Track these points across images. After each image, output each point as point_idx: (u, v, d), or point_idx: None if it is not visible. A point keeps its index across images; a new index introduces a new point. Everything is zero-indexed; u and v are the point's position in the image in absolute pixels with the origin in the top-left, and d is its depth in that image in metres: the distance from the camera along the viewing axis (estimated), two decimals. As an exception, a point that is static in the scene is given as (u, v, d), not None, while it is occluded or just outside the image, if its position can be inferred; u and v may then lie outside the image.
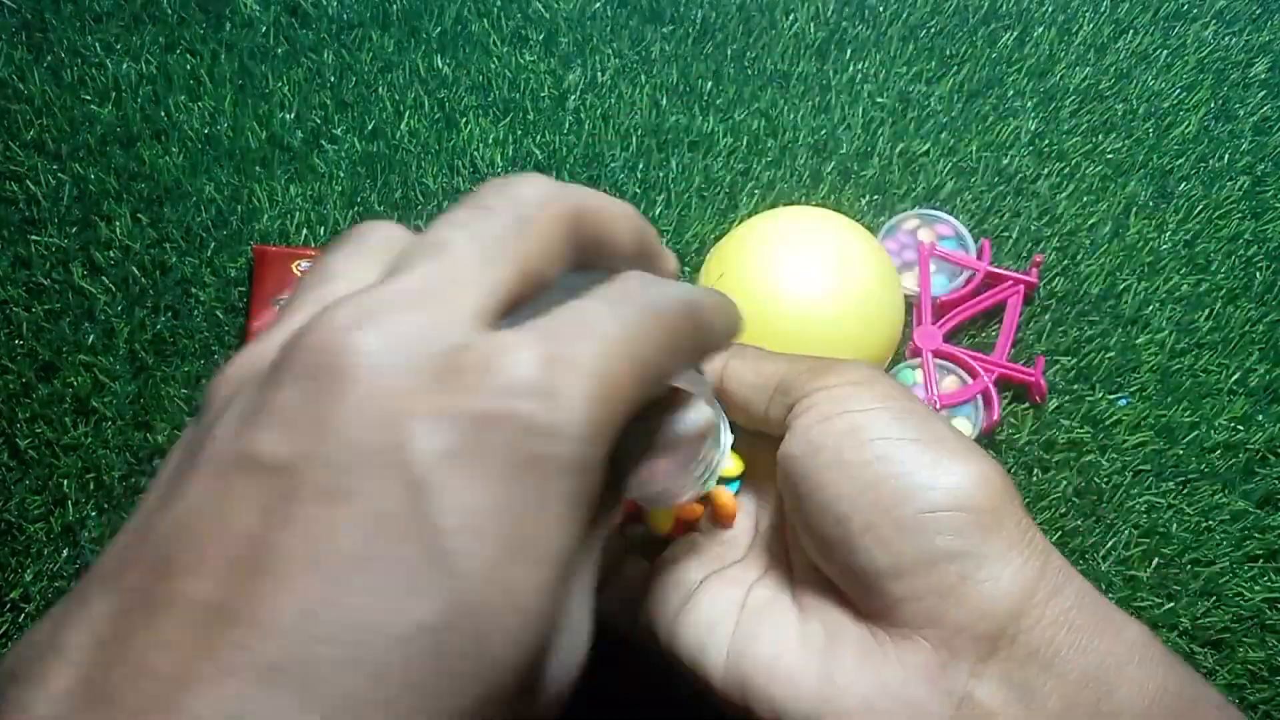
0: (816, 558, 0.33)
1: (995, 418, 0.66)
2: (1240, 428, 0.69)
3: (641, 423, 0.27)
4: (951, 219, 0.74)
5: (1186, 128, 0.84)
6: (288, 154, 0.77)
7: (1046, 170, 0.80)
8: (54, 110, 0.76)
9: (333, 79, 0.80)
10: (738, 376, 0.37)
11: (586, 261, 0.24)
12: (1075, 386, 0.70)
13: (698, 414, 0.28)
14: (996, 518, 0.29)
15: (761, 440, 0.38)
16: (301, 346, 0.18)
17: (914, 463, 0.30)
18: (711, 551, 0.38)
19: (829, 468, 0.32)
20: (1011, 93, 0.85)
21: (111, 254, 0.70)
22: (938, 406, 0.64)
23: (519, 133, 0.79)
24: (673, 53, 0.85)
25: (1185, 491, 0.67)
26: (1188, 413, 0.69)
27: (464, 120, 0.79)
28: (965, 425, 0.66)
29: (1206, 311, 0.74)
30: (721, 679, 0.33)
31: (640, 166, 0.78)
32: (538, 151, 0.78)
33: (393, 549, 0.16)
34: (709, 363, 0.38)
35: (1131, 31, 0.90)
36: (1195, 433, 0.69)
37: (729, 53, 0.85)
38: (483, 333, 0.19)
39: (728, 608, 0.35)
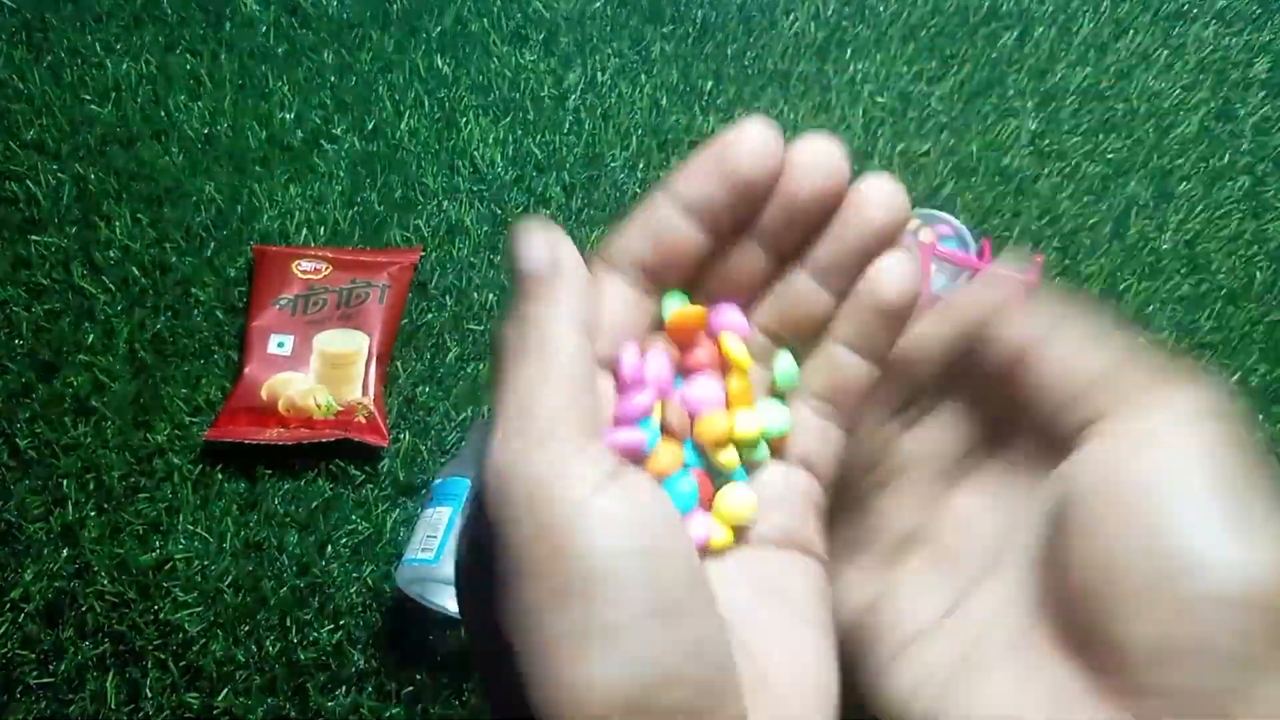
0: (1060, 601, 0.26)
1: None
2: (1240, 428, 0.69)
3: None
4: (952, 219, 0.74)
5: (1187, 128, 0.84)
6: (288, 154, 0.77)
7: (1047, 170, 0.80)
8: (54, 110, 0.76)
9: (333, 79, 0.80)
10: (1053, 364, 0.27)
11: None
12: (1075, 386, 0.70)
13: None
14: None
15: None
16: None
17: (1214, 534, 0.24)
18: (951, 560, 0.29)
19: (1111, 517, 0.25)
20: (1012, 93, 0.85)
21: (111, 254, 0.70)
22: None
23: (519, 132, 0.79)
24: (673, 53, 0.85)
25: (1185, 491, 0.67)
26: (1188, 413, 0.69)
27: (464, 120, 0.79)
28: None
29: (1207, 311, 0.74)
30: None
31: (640, 166, 0.78)
32: (538, 151, 0.78)
33: None
34: (1008, 325, 0.28)
35: (1131, 31, 0.90)
36: (1195, 433, 0.69)
37: (729, 52, 0.85)
38: None
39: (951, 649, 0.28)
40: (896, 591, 0.30)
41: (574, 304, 0.22)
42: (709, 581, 0.22)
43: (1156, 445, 0.26)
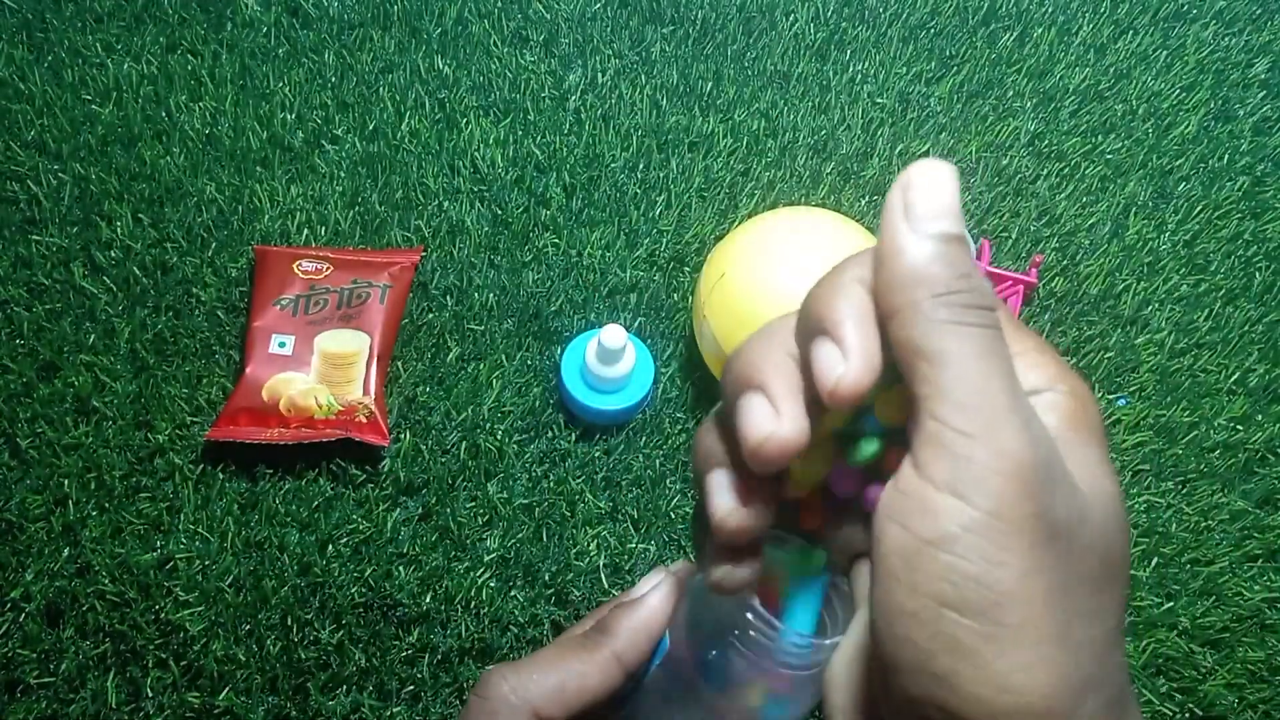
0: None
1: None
2: (1239, 427, 0.69)
3: None
4: (951, 219, 0.74)
5: (1186, 128, 0.84)
6: (289, 154, 0.77)
7: (1046, 171, 0.80)
8: (55, 110, 0.76)
9: (334, 79, 0.81)
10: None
11: None
12: (1075, 386, 0.70)
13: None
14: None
15: None
16: None
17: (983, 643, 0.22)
18: None
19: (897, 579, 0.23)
20: (1011, 93, 0.85)
21: (112, 254, 0.71)
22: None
23: (519, 133, 0.79)
24: (673, 53, 0.85)
25: (1184, 491, 0.67)
26: (1187, 413, 0.69)
27: (465, 121, 0.79)
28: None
29: (1206, 312, 0.74)
30: None
31: (640, 167, 0.78)
32: (538, 152, 0.78)
33: None
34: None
35: (1131, 32, 0.90)
36: (1194, 433, 0.69)
37: (729, 53, 0.85)
38: None
39: None
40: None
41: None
42: None
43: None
